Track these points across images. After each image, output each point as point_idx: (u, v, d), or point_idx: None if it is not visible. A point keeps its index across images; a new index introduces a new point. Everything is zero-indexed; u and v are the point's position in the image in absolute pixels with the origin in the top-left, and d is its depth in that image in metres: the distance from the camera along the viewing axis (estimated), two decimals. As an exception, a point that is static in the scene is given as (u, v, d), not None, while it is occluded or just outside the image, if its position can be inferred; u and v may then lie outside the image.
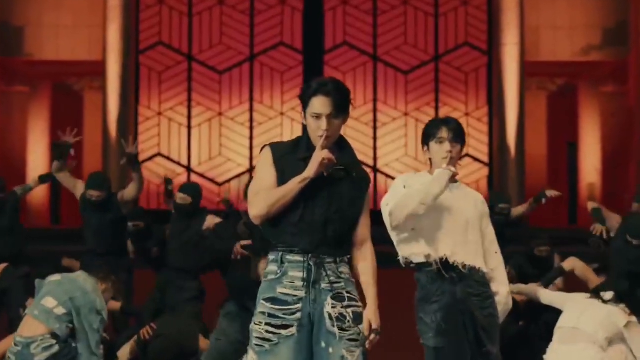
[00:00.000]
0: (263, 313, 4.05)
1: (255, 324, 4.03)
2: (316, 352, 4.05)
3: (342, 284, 4.10)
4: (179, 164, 22.15)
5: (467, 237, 5.04)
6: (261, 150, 4.26)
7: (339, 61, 22.16)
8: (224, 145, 22.16)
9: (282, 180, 4.07)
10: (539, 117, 25.21)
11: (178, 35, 22.04)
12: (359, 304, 4.12)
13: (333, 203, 4.08)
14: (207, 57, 22.03)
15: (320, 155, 3.97)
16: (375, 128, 22.29)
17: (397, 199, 4.91)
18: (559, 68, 23.92)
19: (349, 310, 4.06)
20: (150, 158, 21.97)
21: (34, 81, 24.33)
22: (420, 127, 19.73)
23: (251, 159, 22.22)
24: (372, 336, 4.00)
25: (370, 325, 4.01)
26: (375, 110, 22.22)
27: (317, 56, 22.07)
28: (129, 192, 9.59)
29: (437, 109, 22.10)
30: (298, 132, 21.40)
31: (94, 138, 23.51)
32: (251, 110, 22.08)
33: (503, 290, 5.20)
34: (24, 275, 9.04)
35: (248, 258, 7.72)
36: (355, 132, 21.82)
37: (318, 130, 4.05)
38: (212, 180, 22.10)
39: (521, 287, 7.90)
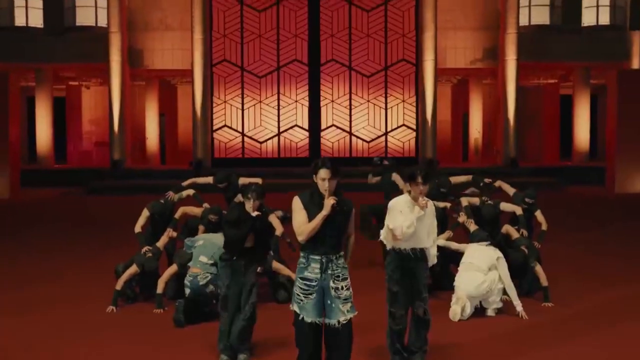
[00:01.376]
0: (299, 285, 4.44)
1: (294, 290, 4.48)
2: (326, 306, 4.40)
3: (339, 270, 4.41)
4: (236, 130, 23.06)
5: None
6: (293, 198, 4.46)
7: (329, 70, 22.98)
8: (262, 120, 23.16)
9: (309, 216, 4.35)
10: (446, 99, 26.64)
11: (235, 55, 22.91)
12: (349, 280, 4.47)
13: (334, 226, 4.37)
14: (252, 68, 22.90)
15: (330, 201, 4.26)
16: (350, 108, 23.18)
17: (395, 225, 4.88)
18: (458, 71, 24.99)
19: (343, 283, 4.41)
20: (219, 128, 23.11)
21: (148, 80, 25.45)
22: (377, 109, 22.92)
23: (278, 128, 23.13)
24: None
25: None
26: (350, 98, 23.15)
27: (316, 67, 22.89)
28: None
29: (386, 98, 23.10)
30: (305, 113, 23.23)
31: (185, 114, 25.41)
32: (278, 99, 22.98)
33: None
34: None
35: None
36: (339, 111, 23.16)
37: (324, 187, 4.30)
38: (255, 140, 23.13)
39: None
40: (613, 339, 6.00)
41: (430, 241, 5.09)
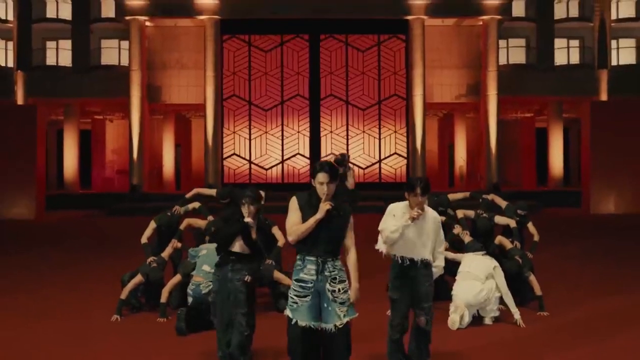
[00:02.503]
0: (294, 287, 3.88)
1: (289, 293, 3.92)
2: (322, 310, 3.83)
3: (336, 272, 3.86)
4: (244, 158, 22.68)
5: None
6: (290, 197, 3.99)
7: (328, 104, 22.69)
8: (268, 148, 22.81)
9: (303, 217, 3.87)
10: (433, 131, 26.21)
11: (244, 91, 22.60)
12: (346, 282, 3.90)
13: (330, 230, 3.84)
14: (259, 102, 22.58)
15: (325, 205, 3.79)
16: (347, 138, 22.83)
17: (382, 227, 4.45)
18: (444, 106, 24.63)
19: (340, 286, 3.84)
20: (229, 156, 22.68)
21: (165, 114, 25.16)
22: (372, 139, 21.97)
23: (282, 156, 22.65)
24: (354, 299, 3.89)
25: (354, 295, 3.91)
26: (347, 129, 22.82)
27: (316, 102, 22.58)
28: None
29: (379, 129, 22.70)
30: (306, 143, 22.77)
31: (198, 145, 24.93)
32: (282, 130, 22.66)
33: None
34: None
35: None
36: (337, 141, 22.70)
37: (322, 191, 3.82)
38: (261, 167, 22.71)
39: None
40: (609, 347, 5.38)
41: (428, 253, 4.45)
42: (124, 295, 6.31)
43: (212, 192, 7.59)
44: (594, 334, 5.79)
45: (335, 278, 3.86)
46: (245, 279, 4.60)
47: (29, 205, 18.24)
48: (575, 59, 24.83)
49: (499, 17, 22.29)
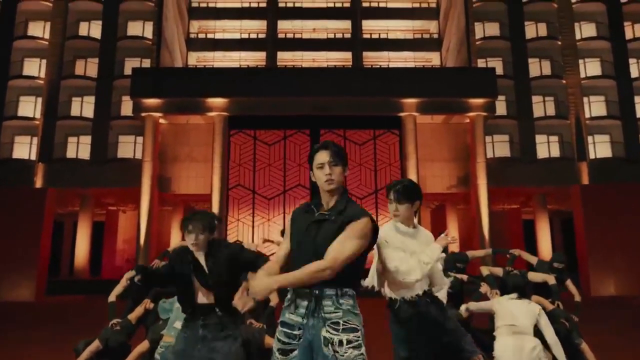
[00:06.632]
0: (277, 335, 2.45)
1: (274, 344, 2.47)
2: None
3: (340, 313, 2.34)
4: None
5: None
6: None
7: None
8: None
9: (293, 239, 2.47)
10: (426, 221, 24.89)
11: (248, 181, 21.51)
12: (358, 333, 2.34)
13: (316, 242, 2.41)
14: (262, 191, 21.44)
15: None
16: None
17: (397, 267, 3.10)
18: (437, 196, 23.39)
19: (344, 336, 2.31)
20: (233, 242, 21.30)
21: (174, 204, 23.90)
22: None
23: (284, 242, 21.40)
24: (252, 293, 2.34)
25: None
26: None
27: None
28: None
29: (377, 217, 21.22)
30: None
31: None
32: (284, 217, 21.33)
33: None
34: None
35: None
36: None
37: (323, 177, 2.51)
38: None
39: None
40: None
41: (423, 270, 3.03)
42: (73, 368, 4.43)
43: None
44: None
45: (337, 323, 2.29)
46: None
47: (30, 286, 16.28)
48: (555, 152, 23.76)
49: (484, 113, 21.53)
